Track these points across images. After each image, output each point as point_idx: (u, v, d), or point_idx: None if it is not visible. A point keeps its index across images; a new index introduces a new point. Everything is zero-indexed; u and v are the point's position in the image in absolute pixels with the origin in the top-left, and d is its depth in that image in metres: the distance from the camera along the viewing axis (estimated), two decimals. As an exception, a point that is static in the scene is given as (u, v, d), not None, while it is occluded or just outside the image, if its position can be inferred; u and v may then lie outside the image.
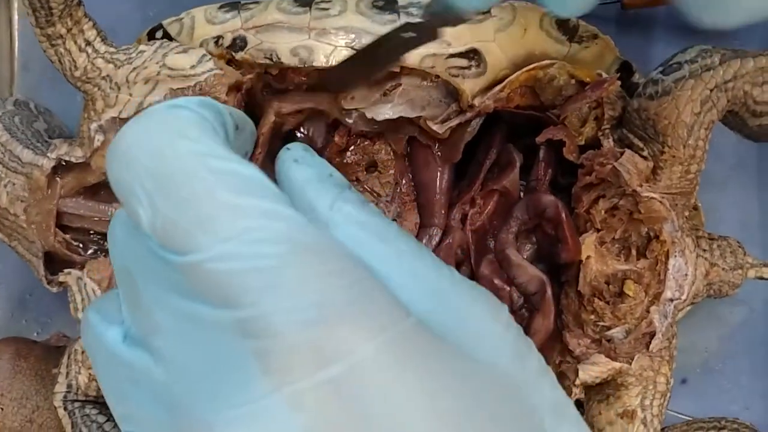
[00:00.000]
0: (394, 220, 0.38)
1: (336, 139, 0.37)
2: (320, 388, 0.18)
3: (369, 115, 0.36)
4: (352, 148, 0.38)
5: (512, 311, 0.37)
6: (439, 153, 0.38)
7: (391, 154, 0.38)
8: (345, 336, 0.19)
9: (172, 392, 0.20)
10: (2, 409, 0.41)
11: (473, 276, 0.38)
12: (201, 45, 0.37)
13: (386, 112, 0.36)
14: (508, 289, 0.37)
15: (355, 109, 0.36)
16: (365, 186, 0.38)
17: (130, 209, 0.20)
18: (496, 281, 0.37)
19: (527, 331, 0.37)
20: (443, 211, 0.38)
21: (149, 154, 0.20)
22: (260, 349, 0.18)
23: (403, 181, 0.38)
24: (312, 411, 0.18)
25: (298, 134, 0.38)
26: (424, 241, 0.38)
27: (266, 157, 0.36)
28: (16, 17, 0.49)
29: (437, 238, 0.38)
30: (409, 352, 0.19)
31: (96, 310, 0.23)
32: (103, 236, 0.39)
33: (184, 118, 0.20)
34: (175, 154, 0.20)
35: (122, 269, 0.22)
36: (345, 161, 0.38)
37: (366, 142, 0.38)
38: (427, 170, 0.38)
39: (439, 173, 0.38)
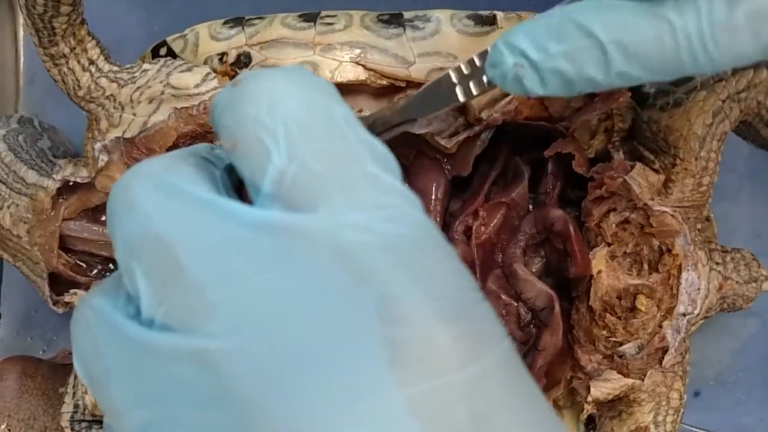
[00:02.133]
0: None
1: None
2: (448, 393, 0.16)
3: (375, 131, 0.35)
4: None
5: (520, 327, 0.37)
6: (447, 167, 0.37)
7: None
8: (476, 338, 0.17)
9: (236, 391, 0.16)
10: (10, 430, 0.41)
11: (481, 291, 0.37)
12: (205, 62, 0.37)
13: (392, 127, 0.35)
14: (516, 304, 0.36)
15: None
16: None
17: (256, 151, 0.18)
18: (503, 296, 0.36)
19: (535, 347, 0.36)
20: (439, 219, 0.37)
21: (300, 102, 0.18)
22: (392, 336, 0.16)
23: None
24: (431, 419, 0.16)
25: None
26: None
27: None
28: (21, 33, 0.49)
29: None
30: (519, 372, 0.18)
31: (104, 294, 0.19)
32: (107, 259, 0.38)
33: (333, 88, 0.20)
34: (327, 112, 0.19)
35: (155, 240, 0.18)
36: None
37: None
38: (422, 177, 0.37)
39: (434, 180, 0.37)
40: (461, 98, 0.25)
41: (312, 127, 0.18)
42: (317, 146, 0.18)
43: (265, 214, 0.17)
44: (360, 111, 0.36)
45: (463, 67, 0.24)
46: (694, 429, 0.43)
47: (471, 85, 0.25)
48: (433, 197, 0.37)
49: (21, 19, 0.48)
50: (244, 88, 0.19)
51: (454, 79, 0.25)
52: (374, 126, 0.25)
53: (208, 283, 0.17)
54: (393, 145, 0.36)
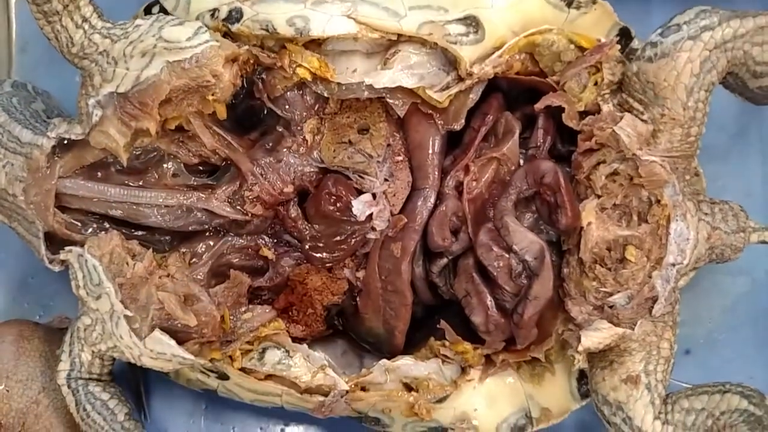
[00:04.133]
0: (386, 180, 0.38)
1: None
2: None
3: (368, 82, 0.35)
4: (346, 111, 0.38)
5: (511, 278, 0.37)
6: (441, 121, 0.37)
7: (384, 116, 0.38)
8: None
9: None
10: (8, 391, 0.41)
11: (472, 245, 0.38)
12: (197, 18, 0.37)
13: (385, 79, 0.36)
14: (507, 256, 0.37)
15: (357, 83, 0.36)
16: (357, 147, 0.37)
17: None
18: (495, 249, 0.37)
19: (526, 297, 0.36)
20: (436, 173, 0.38)
21: None
22: None
23: (394, 141, 0.38)
24: None
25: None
26: (419, 203, 0.38)
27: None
28: (13, 0, 0.49)
29: (431, 201, 0.38)
30: None
31: None
32: (102, 217, 0.39)
33: None
34: None
35: None
36: (337, 122, 0.38)
37: (358, 104, 0.38)
38: (419, 131, 0.37)
39: (431, 134, 0.37)
40: None
41: None
42: None
43: None
44: (354, 71, 0.37)
45: None
46: (684, 386, 0.43)
47: None
48: (430, 151, 0.38)
49: (16, -20, 0.48)
50: None
51: None
52: None
53: None
54: (388, 97, 0.37)
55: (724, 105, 0.42)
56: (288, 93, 0.37)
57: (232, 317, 0.38)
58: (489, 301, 0.37)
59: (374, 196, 0.38)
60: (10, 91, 0.41)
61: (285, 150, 0.38)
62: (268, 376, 0.39)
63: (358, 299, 0.40)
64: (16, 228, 0.39)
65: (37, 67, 0.48)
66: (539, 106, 0.37)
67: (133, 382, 0.46)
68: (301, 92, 0.38)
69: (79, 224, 0.39)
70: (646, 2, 0.45)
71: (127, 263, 0.36)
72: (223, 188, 0.38)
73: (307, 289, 0.40)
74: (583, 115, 0.37)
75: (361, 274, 0.40)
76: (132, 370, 0.45)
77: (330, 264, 0.39)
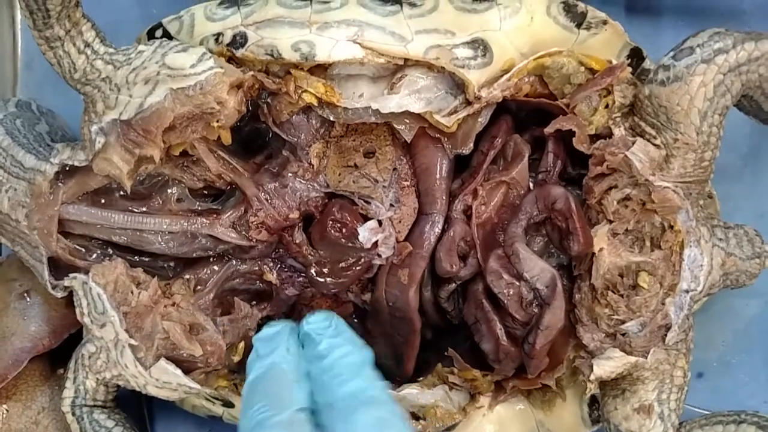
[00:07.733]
0: (392, 205, 0.37)
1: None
2: None
3: (375, 107, 0.35)
4: (352, 134, 0.38)
5: (522, 307, 0.36)
6: (449, 145, 0.37)
7: (390, 139, 0.37)
8: None
9: None
10: (7, 410, 0.41)
11: (481, 270, 0.37)
12: (201, 43, 0.36)
13: (392, 104, 0.35)
14: (518, 284, 0.36)
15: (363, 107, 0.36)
16: (363, 171, 0.37)
17: None
18: (505, 276, 0.36)
19: (538, 326, 0.36)
20: (444, 198, 0.37)
21: None
22: None
23: (401, 166, 0.37)
24: None
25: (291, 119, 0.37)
26: (426, 228, 0.37)
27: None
28: (19, 17, 0.48)
29: (439, 226, 0.37)
30: None
31: None
32: (105, 243, 0.38)
33: None
34: None
35: None
36: (343, 146, 0.37)
37: (364, 127, 0.37)
38: (426, 155, 0.37)
39: (439, 158, 0.37)
40: None
41: None
42: None
43: None
44: (361, 95, 0.36)
45: None
46: (697, 410, 0.43)
47: None
48: (438, 176, 0.37)
49: (18, 4, 0.48)
50: None
51: None
52: None
53: None
54: (394, 123, 0.36)
55: (736, 124, 0.41)
56: (294, 117, 0.37)
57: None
58: (499, 329, 0.37)
59: (380, 222, 0.37)
60: (14, 112, 0.41)
61: (291, 175, 0.38)
62: (274, 405, 0.38)
63: (366, 323, 0.40)
64: (19, 252, 0.39)
65: (43, 85, 0.48)
66: (549, 129, 0.36)
67: (138, 408, 0.45)
68: (306, 116, 0.37)
69: (82, 250, 0.38)
70: (656, 21, 0.45)
71: (132, 292, 0.36)
72: (228, 214, 0.38)
73: (313, 313, 0.39)
74: (594, 138, 0.36)
75: (366, 296, 0.39)
76: (136, 396, 0.44)
77: (335, 290, 0.39)
